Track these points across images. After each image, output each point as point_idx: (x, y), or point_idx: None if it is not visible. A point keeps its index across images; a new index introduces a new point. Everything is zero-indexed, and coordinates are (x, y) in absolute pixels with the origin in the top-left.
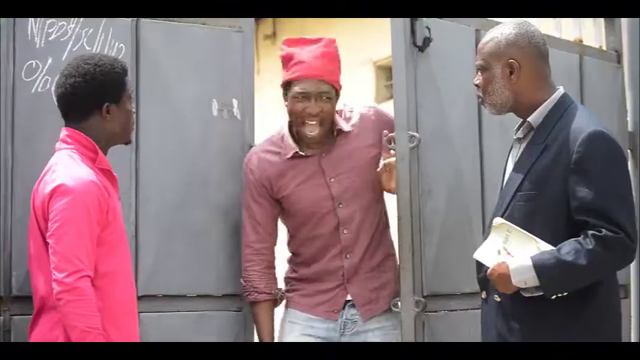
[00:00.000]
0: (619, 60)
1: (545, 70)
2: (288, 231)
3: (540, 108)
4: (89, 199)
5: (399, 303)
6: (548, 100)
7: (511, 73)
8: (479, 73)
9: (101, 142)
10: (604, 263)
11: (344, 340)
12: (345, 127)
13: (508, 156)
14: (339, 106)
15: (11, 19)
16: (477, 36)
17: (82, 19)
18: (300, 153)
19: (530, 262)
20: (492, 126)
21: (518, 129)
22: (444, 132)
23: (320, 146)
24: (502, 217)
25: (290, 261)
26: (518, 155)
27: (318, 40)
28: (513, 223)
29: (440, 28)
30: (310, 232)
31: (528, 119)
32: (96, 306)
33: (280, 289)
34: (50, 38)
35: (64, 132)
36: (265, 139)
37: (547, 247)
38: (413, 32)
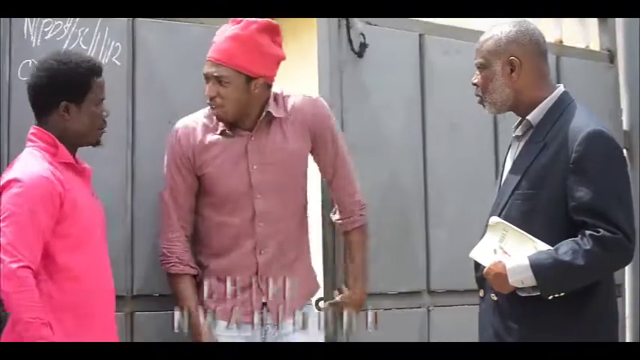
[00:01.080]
0: (612, 59)
1: (545, 67)
2: (200, 213)
3: (540, 106)
4: (38, 192)
5: (322, 303)
6: (548, 98)
7: (512, 70)
8: (477, 72)
9: (64, 140)
10: (602, 264)
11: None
12: (276, 112)
13: (507, 154)
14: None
15: (7, 19)
16: (421, 41)
17: (77, 18)
18: (228, 132)
19: (527, 262)
20: (440, 130)
21: (516, 127)
22: (376, 136)
23: (249, 128)
24: (499, 215)
25: (199, 253)
26: (517, 153)
27: (240, 22)
28: (511, 222)
29: (381, 33)
30: (223, 217)
31: (527, 117)
32: (37, 296)
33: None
34: (46, 37)
35: (30, 130)
36: (201, 111)
37: (544, 246)
38: (350, 39)
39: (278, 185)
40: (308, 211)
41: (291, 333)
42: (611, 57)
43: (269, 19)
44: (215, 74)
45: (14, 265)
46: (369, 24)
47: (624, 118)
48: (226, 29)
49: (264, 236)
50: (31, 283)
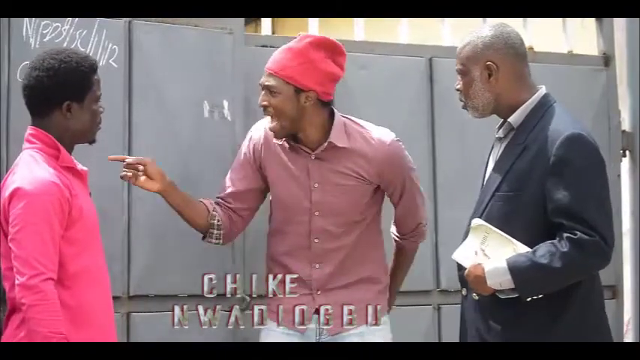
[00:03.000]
0: (607, 62)
1: (524, 70)
2: (271, 211)
3: (521, 108)
4: (48, 200)
5: None
6: (529, 101)
7: (490, 75)
8: (459, 78)
9: (64, 140)
10: (578, 266)
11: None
12: (339, 141)
13: (489, 155)
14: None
15: (6, 20)
16: None
17: (76, 20)
18: (291, 143)
19: (505, 265)
20: None
21: (499, 128)
22: None
23: (310, 148)
24: (480, 217)
25: (269, 247)
26: (499, 155)
27: (298, 36)
28: (491, 223)
29: None
30: (284, 224)
31: (509, 120)
32: (59, 309)
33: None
34: (45, 39)
35: (28, 130)
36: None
37: (524, 248)
38: None
39: (335, 208)
40: (379, 235)
41: (351, 336)
42: (607, 60)
43: (331, 38)
44: (266, 83)
45: (37, 279)
46: (267, 47)
47: (625, 119)
48: (289, 42)
49: (319, 251)
50: (53, 296)
